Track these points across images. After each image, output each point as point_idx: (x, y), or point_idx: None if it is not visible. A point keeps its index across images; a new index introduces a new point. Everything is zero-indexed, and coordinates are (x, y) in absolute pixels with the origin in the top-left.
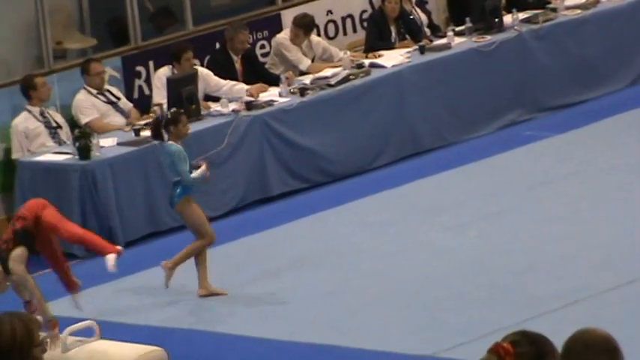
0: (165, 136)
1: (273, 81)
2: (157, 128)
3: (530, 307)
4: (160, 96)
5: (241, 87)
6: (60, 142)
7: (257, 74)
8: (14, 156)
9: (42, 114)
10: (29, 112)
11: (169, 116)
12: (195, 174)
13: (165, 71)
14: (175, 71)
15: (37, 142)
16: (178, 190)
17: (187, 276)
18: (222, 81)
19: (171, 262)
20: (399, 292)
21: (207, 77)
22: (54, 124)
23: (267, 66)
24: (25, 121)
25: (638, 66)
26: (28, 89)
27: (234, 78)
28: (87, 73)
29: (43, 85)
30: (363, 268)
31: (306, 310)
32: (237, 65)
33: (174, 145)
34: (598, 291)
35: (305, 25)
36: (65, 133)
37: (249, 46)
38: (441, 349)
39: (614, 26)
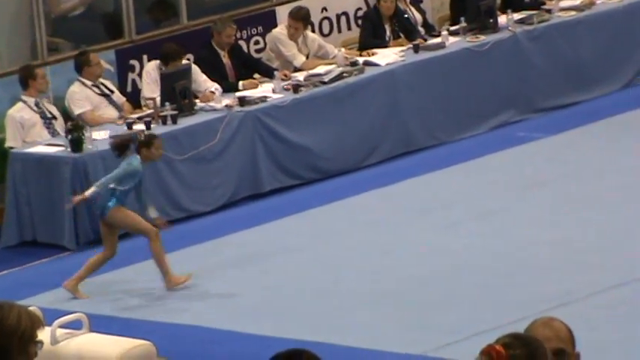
0: (131, 153)
1: (267, 72)
2: (124, 145)
3: (520, 308)
4: (149, 90)
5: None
6: (55, 133)
7: (248, 66)
8: (8, 144)
9: (37, 105)
10: (24, 102)
11: (142, 138)
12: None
13: (153, 66)
14: (163, 67)
15: (32, 132)
16: (111, 202)
17: (179, 270)
18: (209, 81)
19: (167, 280)
20: (389, 290)
21: (194, 74)
22: (49, 115)
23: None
24: (21, 111)
25: (631, 68)
26: (27, 78)
27: (222, 73)
28: (87, 64)
29: (42, 77)
30: (354, 266)
31: (296, 307)
32: (225, 60)
33: (137, 160)
34: (587, 293)
35: (303, 17)
36: (60, 124)
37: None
38: (430, 348)
39: (608, 28)
